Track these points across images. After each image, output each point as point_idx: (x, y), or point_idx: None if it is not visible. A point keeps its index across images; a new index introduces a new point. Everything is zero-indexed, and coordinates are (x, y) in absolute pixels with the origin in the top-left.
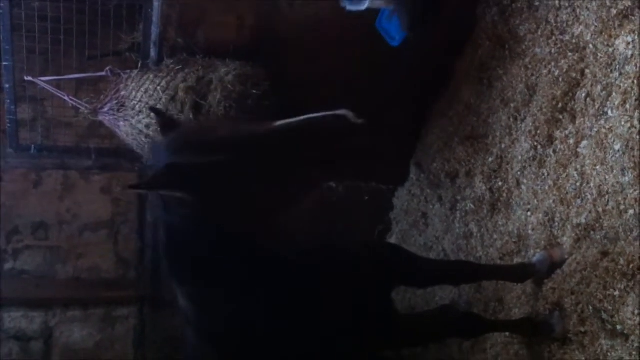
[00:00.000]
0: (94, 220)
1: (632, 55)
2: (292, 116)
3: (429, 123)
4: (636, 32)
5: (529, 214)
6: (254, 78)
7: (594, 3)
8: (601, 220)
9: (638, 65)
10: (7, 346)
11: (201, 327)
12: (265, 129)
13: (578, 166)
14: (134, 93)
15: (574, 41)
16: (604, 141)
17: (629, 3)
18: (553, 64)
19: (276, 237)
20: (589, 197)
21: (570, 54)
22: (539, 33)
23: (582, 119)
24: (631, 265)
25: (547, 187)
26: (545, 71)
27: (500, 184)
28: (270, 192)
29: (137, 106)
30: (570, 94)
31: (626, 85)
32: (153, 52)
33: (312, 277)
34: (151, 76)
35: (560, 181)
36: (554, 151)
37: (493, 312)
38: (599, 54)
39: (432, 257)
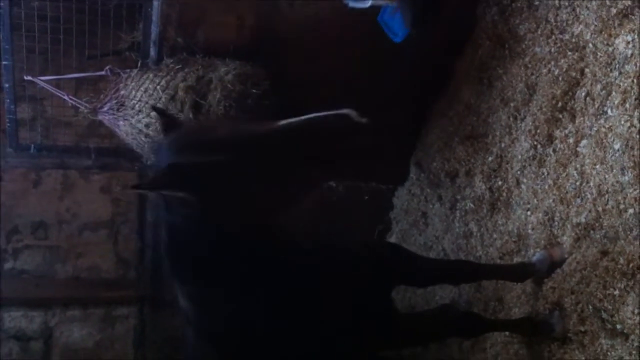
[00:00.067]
0: (94, 220)
1: (631, 55)
2: (293, 116)
3: (429, 122)
4: (636, 31)
5: (528, 213)
6: (254, 77)
7: (593, 2)
8: (601, 220)
9: (638, 64)
10: (7, 346)
11: (202, 327)
12: (268, 128)
13: (578, 165)
14: (133, 92)
15: (573, 40)
16: (604, 140)
17: (629, 2)
18: (553, 63)
19: (278, 237)
20: (589, 196)
21: (570, 53)
22: (539, 32)
23: (581, 118)
24: (631, 265)
25: (546, 187)
26: (545, 70)
27: (500, 183)
28: (273, 192)
29: (137, 105)
30: (570, 93)
31: (626, 85)
32: (153, 52)
33: (312, 277)
34: (151, 75)
35: (560, 180)
36: (554, 150)
37: (493, 311)
38: (599, 53)
39: (432, 256)
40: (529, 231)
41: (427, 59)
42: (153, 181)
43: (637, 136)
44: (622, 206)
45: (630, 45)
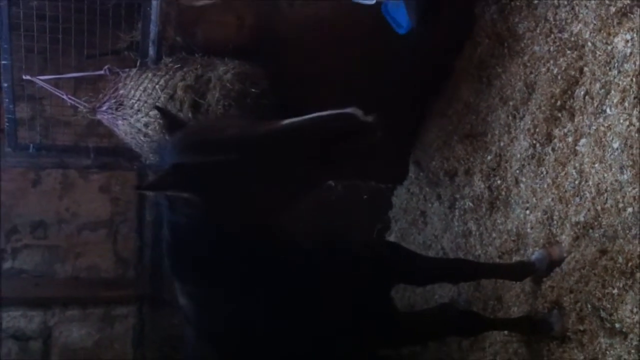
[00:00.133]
0: (93, 219)
1: (630, 53)
2: (292, 115)
3: (428, 121)
4: (635, 30)
5: (527, 212)
6: (253, 77)
7: (592, 1)
8: (600, 219)
9: (637, 63)
10: (6, 346)
11: (203, 326)
12: (272, 128)
13: (577, 164)
14: (132, 92)
15: (572, 39)
16: (603, 139)
17: (628, 1)
18: (552, 61)
19: (279, 237)
20: (588, 195)
21: (569, 51)
22: (538, 31)
23: (580, 117)
24: (630, 264)
25: (545, 185)
26: (544, 69)
27: (499, 182)
28: (276, 192)
29: (136, 105)
30: (569, 92)
31: (625, 83)
32: (152, 51)
33: (312, 276)
34: (150, 75)
35: (559, 179)
36: (553, 149)
37: (492, 310)
38: (598, 52)
39: (431, 255)
40: (528, 230)
41: (426, 58)
42: (157, 182)
43: (636, 135)
44: (621, 205)
45: (629, 44)
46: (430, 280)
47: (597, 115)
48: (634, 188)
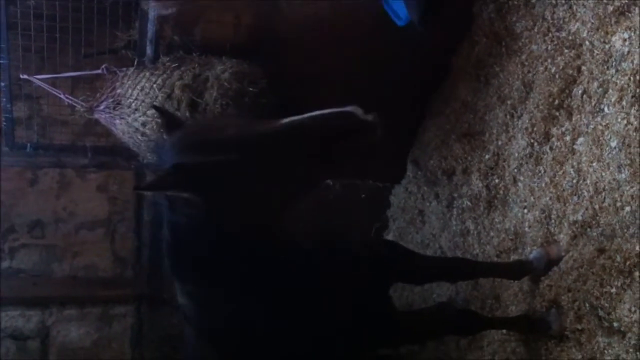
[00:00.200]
0: (91, 219)
1: (628, 52)
2: (291, 114)
3: (426, 120)
4: (632, 29)
5: (525, 211)
6: (251, 76)
7: (590, 0)
8: (598, 217)
9: (634, 61)
10: (4, 345)
11: (203, 326)
12: (272, 127)
13: (574, 163)
14: (130, 91)
15: (570, 38)
16: (601, 138)
17: (625, 0)
18: (549, 60)
19: (280, 236)
20: (586, 194)
21: (566, 50)
22: (536, 30)
23: (578, 116)
24: (628, 263)
25: (543, 184)
26: (541, 68)
27: (496, 181)
28: (277, 191)
29: (133, 104)
30: (567, 91)
31: (622, 82)
32: (149, 50)
33: (312, 276)
34: (147, 74)
35: (557, 178)
36: (551, 148)
37: (490, 309)
38: (596, 51)
39: (429, 254)
40: (526, 229)
41: (424, 57)
42: (157, 182)
43: (634, 134)
44: (618, 204)
45: (626, 43)
46: (428, 279)
47: (595, 114)
48: (631, 187)
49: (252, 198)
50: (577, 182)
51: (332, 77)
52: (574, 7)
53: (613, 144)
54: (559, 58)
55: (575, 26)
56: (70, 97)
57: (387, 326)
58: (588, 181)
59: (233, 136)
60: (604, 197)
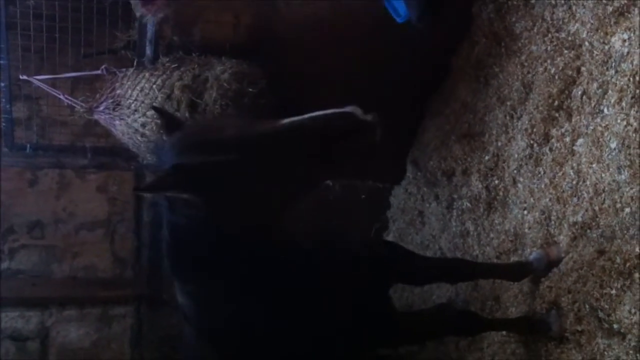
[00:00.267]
0: (90, 219)
1: (628, 53)
2: (291, 114)
3: (426, 121)
4: (632, 30)
5: (525, 212)
6: (250, 76)
7: (589, 0)
8: (597, 219)
9: (634, 62)
10: (4, 346)
11: (203, 326)
12: (272, 127)
13: (574, 164)
14: (129, 91)
15: (569, 38)
16: (600, 139)
17: (625, 0)
18: (549, 61)
19: (280, 237)
20: (585, 195)
21: (566, 51)
22: (535, 30)
23: (578, 117)
24: (627, 264)
25: (543, 186)
26: (541, 69)
27: (496, 182)
28: (278, 191)
29: (133, 105)
30: (566, 92)
31: (622, 83)
32: (149, 50)
33: (311, 276)
34: (147, 74)
35: (557, 179)
36: (550, 149)
37: (490, 310)
38: (595, 52)
39: (429, 255)
40: (526, 230)
41: (424, 58)
42: (157, 182)
43: (634, 135)
44: (618, 205)
45: (626, 44)
46: (428, 280)
47: (595, 115)
48: (631, 188)
49: (252, 198)
50: (577, 183)
51: (331, 77)
52: (574, 8)
53: (613, 145)
54: (558, 59)
55: (575, 27)
56: (69, 98)
57: (387, 326)
58: (588, 182)
59: (233, 137)
60: (604, 199)
